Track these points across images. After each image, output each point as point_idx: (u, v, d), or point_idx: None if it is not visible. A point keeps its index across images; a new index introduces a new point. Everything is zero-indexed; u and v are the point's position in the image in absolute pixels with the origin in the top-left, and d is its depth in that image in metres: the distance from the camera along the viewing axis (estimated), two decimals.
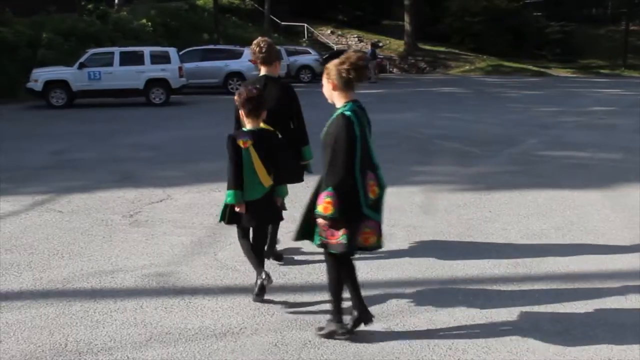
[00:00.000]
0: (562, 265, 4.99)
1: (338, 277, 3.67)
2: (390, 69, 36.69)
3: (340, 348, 3.62)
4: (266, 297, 4.24)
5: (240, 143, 4.00)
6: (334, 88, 3.52)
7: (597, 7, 49.36)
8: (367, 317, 3.74)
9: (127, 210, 6.68)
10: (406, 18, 38.42)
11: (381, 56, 32.54)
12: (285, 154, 4.34)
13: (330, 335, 3.71)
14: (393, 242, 5.54)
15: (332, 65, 3.52)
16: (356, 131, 3.41)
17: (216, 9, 31.96)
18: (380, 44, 38.47)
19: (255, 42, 4.86)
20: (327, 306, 3.87)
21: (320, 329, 3.79)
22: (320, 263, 4.40)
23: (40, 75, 18.09)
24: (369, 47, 32.19)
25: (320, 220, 3.48)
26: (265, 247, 4.72)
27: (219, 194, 6.73)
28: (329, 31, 40.82)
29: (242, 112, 4.13)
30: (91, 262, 5.08)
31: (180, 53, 20.37)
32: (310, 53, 28.87)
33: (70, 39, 23.15)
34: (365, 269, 4.81)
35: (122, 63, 18.46)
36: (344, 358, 3.53)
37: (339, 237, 3.48)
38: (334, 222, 3.44)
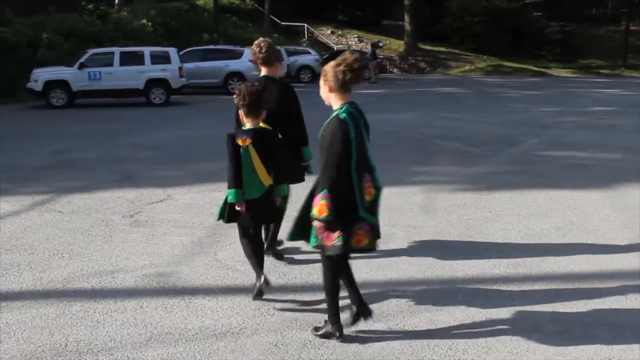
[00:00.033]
0: (562, 265, 4.99)
1: (334, 279, 3.67)
2: (391, 69, 36.70)
3: (340, 348, 3.62)
4: (266, 297, 4.24)
5: (240, 142, 4.00)
6: (331, 90, 3.52)
7: (597, 7, 49.35)
8: (365, 312, 3.75)
9: (127, 210, 6.69)
10: (406, 18, 38.42)
11: (381, 56, 32.54)
12: (285, 153, 4.34)
13: (325, 336, 3.71)
14: (393, 242, 5.55)
15: (328, 67, 3.52)
16: (351, 133, 3.41)
17: (216, 9, 31.97)
18: (381, 44, 38.47)
19: (255, 42, 4.86)
20: (327, 306, 3.87)
21: (317, 328, 3.79)
22: (321, 263, 4.39)
23: (41, 76, 18.10)
24: (369, 47, 32.19)
25: (316, 223, 3.49)
26: (265, 245, 4.73)
27: (219, 194, 6.73)
28: (329, 31, 40.82)
29: (241, 112, 4.13)
30: (91, 262, 5.08)
31: (181, 53, 20.37)
32: (310, 53, 28.89)
33: (70, 39, 23.16)
34: (365, 268, 4.81)
35: (122, 63, 18.46)
36: (344, 358, 3.53)
37: (335, 239, 3.49)
38: (329, 225, 3.45)
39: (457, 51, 39.80)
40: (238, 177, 4.02)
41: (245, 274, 4.69)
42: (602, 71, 37.88)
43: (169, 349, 3.64)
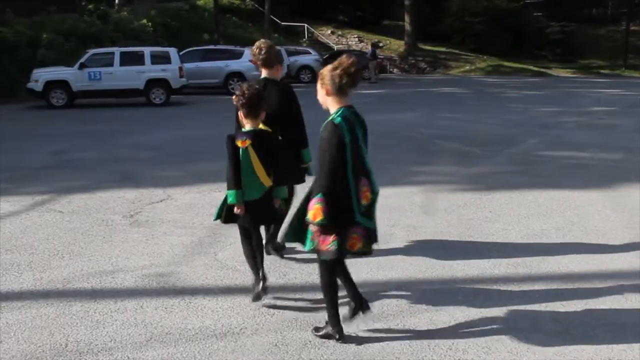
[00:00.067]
0: (562, 265, 4.99)
1: (331, 281, 3.67)
2: (391, 69, 36.70)
3: (340, 348, 3.62)
4: (266, 297, 4.24)
5: (239, 143, 3.99)
6: (328, 93, 3.52)
7: (598, 7, 49.37)
8: (363, 306, 3.76)
9: (127, 210, 6.69)
10: (406, 18, 38.43)
11: (381, 56, 32.55)
12: (285, 155, 4.34)
13: (326, 337, 3.72)
14: (393, 242, 5.55)
15: (325, 71, 3.52)
16: (346, 138, 3.40)
17: (216, 9, 31.98)
18: (381, 44, 38.48)
19: (256, 44, 4.86)
20: (326, 308, 3.87)
21: (317, 329, 3.80)
22: None
23: (41, 76, 18.11)
24: (369, 47, 32.20)
25: (312, 227, 3.49)
26: (264, 241, 4.74)
27: (219, 194, 6.72)
28: (329, 31, 40.82)
29: (241, 113, 4.12)
30: (91, 263, 5.08)
31: (181, 53, 20.38)
32: (310, 53, 28.89)
33: (70, 39, 23.17)
34: (365, 269, 4.81)
35: (122, 63, 18.47)
36: (344, 358, 3.53)
37: (329, 243, 3.49)
38: (324, 229, 3.45)
39: (457, 51, 39.80)
40: (238, 178, 4.01)
41: (245, 274, 4.69)
42: (602, 71, 37.89)
43: (169, 349, 3.64)
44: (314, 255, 4.80)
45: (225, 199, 4.14)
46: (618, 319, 4.03)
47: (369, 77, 28.30)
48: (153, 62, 18.76)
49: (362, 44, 38.85)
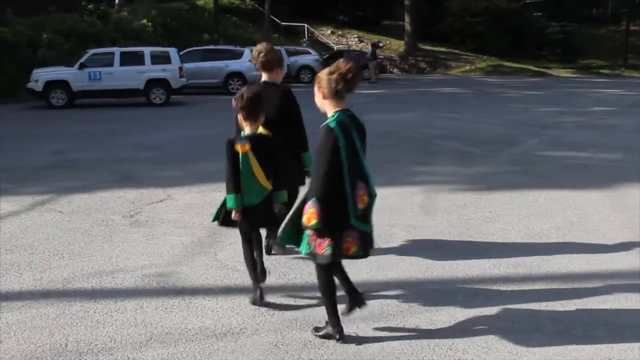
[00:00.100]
0: (562, 265, 4.99)
1: (328, 282, 3.67)
2: (391, 69, 36.71)
3: (340, 348, 3.62)
4: (266, 297, 4.23)
5: (238, 147, 3.97)
6: (324, 97, 3.52)
7: (598, 7, 49.38)
8: (359, 301, 3.77)
9: (127, 210, 6.69)
10: (406, 18, 38.44)
11: (381, 56, 32.55)
12: (284, 158, 4.32)
13: (326, 337, 3.72)
14: (393, 242, 5.55)
15: (322, 75, 3.51)
16: (340, 142, 3.40)
17: (216, 9, 31.99)
18: (381, 44, 38.48)
19: (256, 48, 4.86)
20: (325, 309, 3.87)
21: (317, 329, 3.80)
22: None
23: (41, 76, 18.11)
24: (370, 47, 32.21)
25: (308, 230, 3.50)
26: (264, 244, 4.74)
27: (219, 194, 6.72)
28: (329, 31, 40.82)
29: (240, 116, 4.10)
30: (91, 263, 5.08)
31: (181, 53, 20.38)
32: (310, 53, 28.91)
33: (70, 39, 23.18)
34: (365, 269, 4.81)
35: (122, 63, 18.47)
36: (344, 358, 3.53)
37: (324, 247, 3.49)
38: (318, 232, 3.46)
39: (457, 51, 39.81)
40: (237, 183, 3.99)
41: (245, 274, 4.67)
42: (602, 71, 37.90)
43: (169, 349, 3.64)
44: None
45: (225, 202, 4.13)
46: (618, 319, 4.02)
47: (369, 77, 28.31)
48: (153, 62, 18.76)
49: (362, 44, 38.85)
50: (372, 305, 4.19)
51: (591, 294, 4.42)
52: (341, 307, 3.75)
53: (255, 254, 4.26)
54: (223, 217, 4.17)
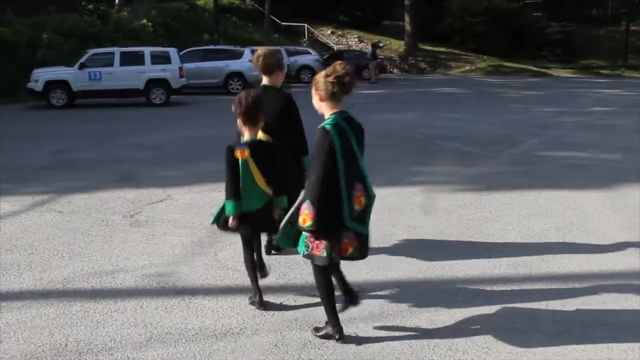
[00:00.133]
0: (562, 266, 4.99)
1: (326, 283, 3.67)
2: (391, 70, 36.71)
3: (340, 348, 3.62)
4: (266, 297, 4.24)
5: (238, 154, 3.96)
6: (321, 99, 3.53)
7: (598, 8, 49.41)
8: (354, 299, 3.79)
9: (127, 210, 6.69)
10: (406, 18, 38.45)
11: (381, 56, 32.55)
12: (285, 164, 4.31)
13: (326, 337, 3.72)
14: (393, 242, 5.55)
15: (319, 77, 3.52)
16: (336, 144, 3.40)
17: (216, 9, 31.99)
18: (381, 44, 38.48)
19: (256, 53, 4.87)
20: (324, 309, 3.86)
21: (317, 329, 3.80)
22: None
23: (41, 76, 18.11)
24: (370, 47, 32.21)
25: (305, 232, 3.51)
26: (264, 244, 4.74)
27: (219, 194, 6.72)
28: (329, 31, 40.83)
29: (239, 121, 4.09)
30: (91, 263, 5.08)
31: (181, 53, 20.38)
32: (310, 53, 28.92)
33: (70, 39, 23.19)
34: (365, 269, 4.81)
35: (122, 63, 18.47)
36: (344, 358, 3.53)
37: (322, 249, 3.50)
38: (316, 234, 3.46)
39: (457, 51, 39.82)
40: (237, 190, 3.97)
41: (246, 274, 4.68)
42: (602, 71, 37.92)
43: (169, 349, 3.64)
44: None
45: (224, 206, 4.12)
46: (618, 319, 4.02)
47: (369, 77, 28.32)
48: (153, 62, 18.77)
49: (362, 44, 38.86)
50: (372, 305, 4.20)
51: (591, 294, 4.42)
52: (338, 307, 3.75)
53: (254, 254, 4.26)
54: (223, 222, 4.15)
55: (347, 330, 3.75)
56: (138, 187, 7.74)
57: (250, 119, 4.02)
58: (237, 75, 22.03)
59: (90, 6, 27.18)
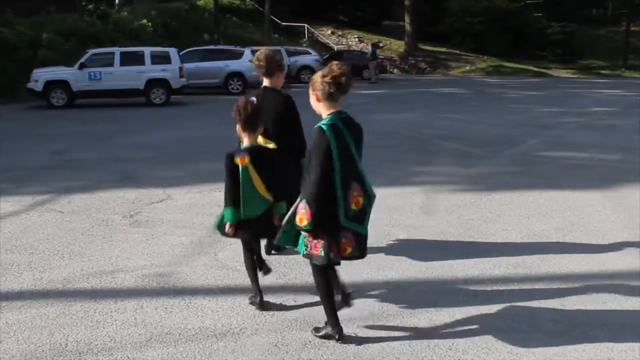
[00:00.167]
0: (562, 266, 4.99)
1: (325, 282, 3.67)
2: (391, 70, 36.72)
3: (340, 348, 3.62)
4: (266, 297, 4.24)
5: (238, 160, 3.95)
6: (318, 99, 3.53)
7: (598, 8, 49.42)
8: (348, 300, 3.83)
9: (127, 210, 6.69)
10: (407, 18, 38.45)
11: (381, 56, 32.56)
12: (284, 169, 4.30)
13: (325, 337, 3.72)
14: (393, 242, 5.55)
15: (316, 77, 3.52)
16: (332, 144, 3.40)
17: (217, 9, 31.99)
18: (381, 45, 38.48)
19: (255, 55, 4.87)
20: (324, 309, 3.86)
21: (317, 329, 3.80)
22: None
23: (41, 76, 18.11)
24: (370, 47, 32.21)
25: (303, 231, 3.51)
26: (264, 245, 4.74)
27: (219, 194, 6.71)
28: (329, 31, 40.84)
29: (238, 127, 4.08)
30: (91, 263, 5.08)
31: (181, 53, 20.38)
32: (310, 53, 28.91)
33: (70, 39, 23.19)
34: (365, 269, 4.81)
35: (122, 63, 18.47)
36: (344, 358, 3.53)
37: (319, 248, 3.51)
38: (313, 233, 3.47)
39: (457, 51, 39.82)
40: (237, 197, 3.95)
41: (246, 274, 4.68)
42: (602, 72, 37.93)
43: (169, 349, 3.64)
44: None
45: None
46: (618, 319, 4.02)
47: (369, 77, 28.33)
48: (153, 62, 18.77)
49: (362, 44, 38.86)
50: (372, 305, 4.20)
51: (591, 294, 4.42)
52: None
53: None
54: (225, 228, 4.15)
55: (347, 330, 3.75)
56: (138, 187, 7.74)
57: (250, 126, 4.02)
58: (237, 75, 22.03)
59: (90, 6, 27.19)
